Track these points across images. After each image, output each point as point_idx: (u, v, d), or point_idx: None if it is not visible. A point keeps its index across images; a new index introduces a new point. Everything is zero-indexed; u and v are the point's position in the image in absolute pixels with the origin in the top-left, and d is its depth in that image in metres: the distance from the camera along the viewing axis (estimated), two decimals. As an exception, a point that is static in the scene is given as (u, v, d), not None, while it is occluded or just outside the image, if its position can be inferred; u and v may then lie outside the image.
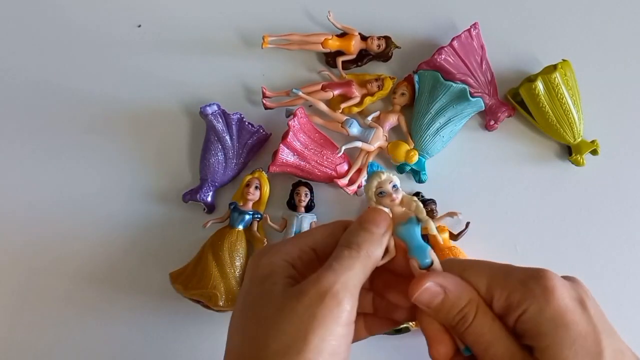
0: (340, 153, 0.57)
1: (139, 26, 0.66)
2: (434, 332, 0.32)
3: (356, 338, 0.30)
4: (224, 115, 0.58)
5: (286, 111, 0.58)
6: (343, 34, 0.62)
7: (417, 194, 0.58)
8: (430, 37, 0.64)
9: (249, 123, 0.58)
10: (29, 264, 0.57)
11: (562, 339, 0.27)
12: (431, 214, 0.56)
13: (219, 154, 0.58)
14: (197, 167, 0.59)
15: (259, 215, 0.57)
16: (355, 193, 0.58)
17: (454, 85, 0.57)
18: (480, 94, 0.59)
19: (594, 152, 0.58)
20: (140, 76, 0.64)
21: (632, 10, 0.65)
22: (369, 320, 0.35)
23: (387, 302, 0.34)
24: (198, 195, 0.57)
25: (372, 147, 0.58)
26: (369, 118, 0.59)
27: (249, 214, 0.56)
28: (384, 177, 0.33)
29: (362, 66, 0.63)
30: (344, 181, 0.57)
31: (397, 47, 0.62)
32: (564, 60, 0.58)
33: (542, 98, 0.57)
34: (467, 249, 0.55)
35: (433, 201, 0.57)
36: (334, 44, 0.61)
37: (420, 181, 0.58)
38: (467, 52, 0.59)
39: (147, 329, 0.55)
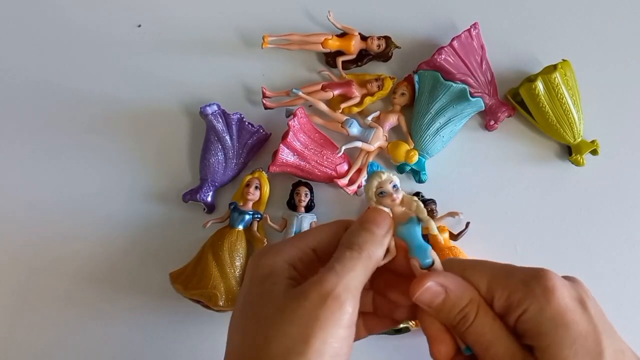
0: (340, 153, 0.57)
1: (139, 26, 0.66)
2: (435, 331, 0.32)
3: (356, 337, 0.30)
4: (224, 115, 0.57)
5: (286, 111, 0.58)
6: (343, 34, 0.62)
7: (417, 194, 0.58)
8: (430, 37, 0.64)
9: (249, 123, 0.58)
10: (29, 264, 0.57)
11: (563, 339, 0.27)
12: (431, 214, 0.56)
13: (219, 154, 0.58)
14: (197, 167, 0.59)
15: (259, 215, 0.57)
16: (355, 193, 0.58)
17: (454, 85, 0.56)
18: (480, 94, 0.59)
19: (594, 152, 0.58)
20: (140, 76, 0.64)
21: (632, 10, 0.65)
22: (369, 319, 0.35)
23: (388, 301, 0.34)
24: (198, 195, 0.57)
25: (372, 147, 0.58)
26: (369, 118, 0.59)
27: (249, 214, 0.56)
28: (384, 177, 0.33)
29: (362, 66, 0.63)
30: (344, 181, 0.57)
31: (397, 47, 0.62)
32: (564, 60, 0.58)
33: (542, 98, 0.57)
34: (467, 249, 0.55)
35: (433, 201, 0.57)
36: (334, 44, 0.61)
37: (420, 181, 0.58)
38: (467, 52, 0.59)
39: (147, 329, 0.55)
